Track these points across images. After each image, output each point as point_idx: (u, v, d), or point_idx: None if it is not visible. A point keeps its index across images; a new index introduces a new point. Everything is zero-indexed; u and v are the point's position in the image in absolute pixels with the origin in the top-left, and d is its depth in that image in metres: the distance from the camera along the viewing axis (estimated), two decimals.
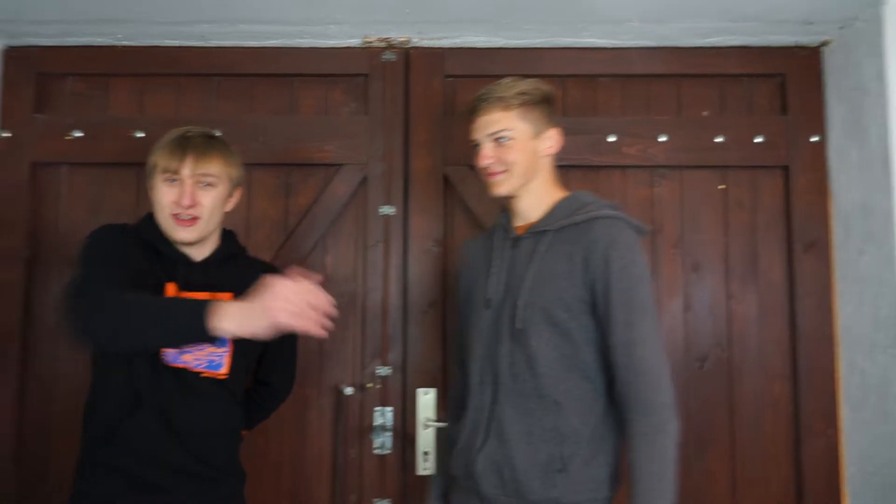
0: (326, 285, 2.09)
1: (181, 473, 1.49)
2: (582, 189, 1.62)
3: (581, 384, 1.45)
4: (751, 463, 2.06)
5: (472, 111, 1.56)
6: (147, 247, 1.53)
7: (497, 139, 1.52)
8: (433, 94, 2.17)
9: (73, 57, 2.19)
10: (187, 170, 1.50)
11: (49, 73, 2.20)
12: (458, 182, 2.14)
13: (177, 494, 1.49)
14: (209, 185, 1.52)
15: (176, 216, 1.50)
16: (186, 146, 1.51)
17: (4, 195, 2.14)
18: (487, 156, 1.54)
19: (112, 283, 1.39)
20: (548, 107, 1.56)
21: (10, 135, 2.16)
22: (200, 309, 1.26)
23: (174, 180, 1.50)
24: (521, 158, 1.52)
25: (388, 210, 2.14)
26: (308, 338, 2.07)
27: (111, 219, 2.10)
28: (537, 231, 1.53)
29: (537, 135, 1.54)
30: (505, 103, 1.51)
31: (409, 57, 2.19)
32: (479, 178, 2.12)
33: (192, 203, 1.49)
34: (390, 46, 2.18)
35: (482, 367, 1.53)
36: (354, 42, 2.18)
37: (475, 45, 2.18)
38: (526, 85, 1.53)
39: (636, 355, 1.39)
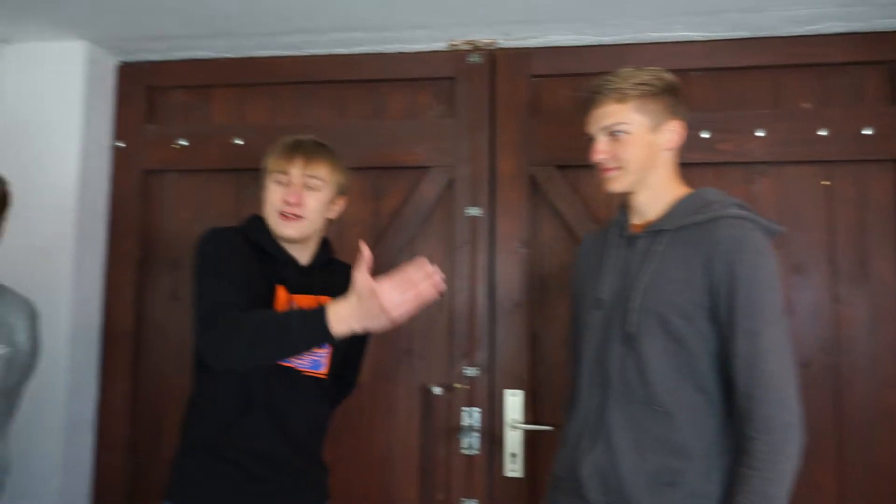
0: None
1: (284, 465, 1.58)
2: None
3: (694, 395, 1.36)
4: (861, 475, 1.93)
5: (588, 103, 1.49)
6: (256, 248, 1.60)
7: (612, 133, 1.45)
8: (519, 95, 2.17)
9: (179, 70, 2.34)
10: (296, 170, 1.58)
11: (158, 86, 2.36)
12: (545, 182, 2.13)
13: (278, 484, 1.57)
14: (315, 187, 1.59)
15: (282, 214, 1.58)
16: (297, 150, 1.60)
17: (120, 201, 2.31)
18: (601, 150, 1.46)
19: (236, 296, 1.47)
20: (670, 97, 1.45)
21: (123, 145, 2.33)
22: (321, 317, 1.35)
23: (283, 181, 1.59)
24: (636, 153, 1.43)
25: (474, 211, 2.15)
26: (397, 338, 2.14)
27: (214, 222, 2.23)
28: (655, 230, 1.44)
29: (656, 128, 1.44)
30: (621, 94, 1.43)
31: (495, 58, 2.19)
32: (566, 177, 2.12)
33: (298, 201, 1.57)
34: (476, 48, 2.20)
35: (591, 369, 1.47)
36: (440, 46, 2.21)
37: (561, 44, 2.16)
38: (646, 74, 1.44)
39: (760, 367, 1.28)
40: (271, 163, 1.61)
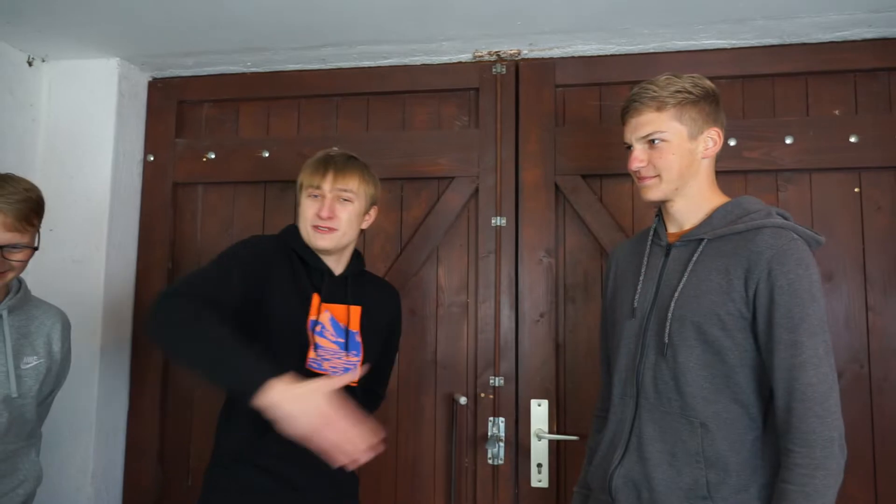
0: (440, 295, 2.17)
1: (314, 473, 1.58)
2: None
3: (731, 408, 1.33)
4: None
5: (625, 111, 1.47)
6: (295, 257, 1.65)
7: (650, 141, 1.42)
8: (543, 105, 2.17)
9: (208, 85, 2.38)
10: (327, 185, 1.62)
11: (188, 100, 2.40)
12: (569, 192, 2.12)
13: (309, 492, 1.59)
14: (347, 200, 1.63)
15: (316, 227, 1.62)
16: (328, 164, 1.64)
17: (151, 214, 2.36)
18: (638, 159, 1.43)
19: (215, 292, 1.43)
20: (708, 105, 1.43)
21: (153, 158, 2.38)
22: (264, 376, 1.24)
23: (316, 196, 1.63)
24: (674, 162, 1.41)
25: (499, 221, 2.15)
26: (422, 348, 2.15)
27: (241, 233, 2.28)
28: (692, 239, 1.42)
29: (695, 136, 1.42)
30: (659, 103, 1.41)
31: (519, 69, 2.20)
32: (590, 186, 2.11)
33: (331, 215, 1.61)
34: (500, 59, 2.21)
35: (625, 379, 1.45)
36: (465, 57, 2.22)
37: (586, 54, 2.16)
38: (685, 82, 1.41)
39: (801, 380, 1.25)
40: (305, 178, 1.66)
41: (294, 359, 1.57)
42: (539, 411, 2.06)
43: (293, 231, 1.68)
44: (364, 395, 1.80)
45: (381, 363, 1.82)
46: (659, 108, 1.41)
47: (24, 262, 1.59)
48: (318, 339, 1.60)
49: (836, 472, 1.23)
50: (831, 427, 1.24)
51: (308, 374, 1.57)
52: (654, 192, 1.44)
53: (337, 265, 1.68)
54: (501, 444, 2.06)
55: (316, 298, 1.61)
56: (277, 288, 1.58)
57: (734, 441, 1.33)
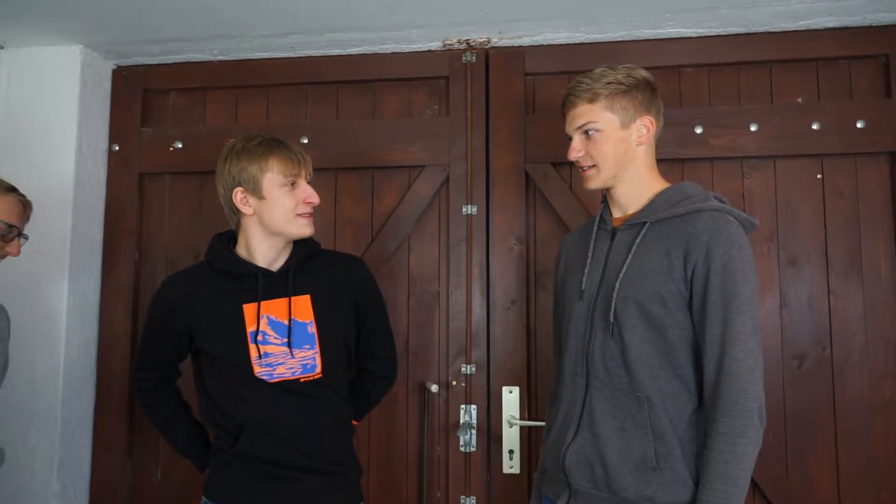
0: (411, 284, 2.17)
1: (297, 469, 1.59)
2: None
3: (673, 382, 1.40)
4: (858, 468, 1.94)
5: (563, 105, 1.54)
6: (218, 275, 1.62)
7: (585, 132, 1.49)
8: (513, 93, 2.17)
9: (174, 73, 2.35)
10: (305, 171, 1.62)
11: (153, 89, 2.36)
12: (540, 179, 2.13)
13: (299, 483, 1.59)
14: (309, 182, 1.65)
15: (305, 214, 1.61)
16: (293, 150, 1.61)
17: (117, 204, 2.32)
18: (576, 149, 1.50)
19: (155, 362, 1.72)
20: (641, 93, 1.49)
21: (118, 148, 2.33)
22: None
23: (294, 183, 1.60)
24: (609, 151, 1.47)
25: (470, 209, 2.15)
26: (395, 334, 2.13)
27: (209, 223, 2.26)
28: (636, 223, 1.48)
29: (627, 124, 1.48)
30: (592, 94, 1.47)
31: (489, 57, 2.20)
32: (560, 174, 2.13)
33: (318, 199, 1.63)
34: (470, 47, 2.20)
35: (575, 360, 1.50)
36: (435, 45, 2.22)
37: (555, 42, 2.17)
38: (617, 73, 1.48)
39: (729, 355, 1.33)
40: (282, 169, 1.58)
41: (243, 376, 1.57)
42: (510, 398, 2.07)
43: (215, 246, 1.65)
44: (364, 378, 1.80)
45: (368, 338, 1.76)
46: (591, 100, 1.48)
47: None
48: (264, 348, 1.57)
49: (755, 440, 1.31)
50: (753, 398, 1.32)
51: (265, 385, 1.57)
52: (594, 182, 1.52)
53: (277, 260, 1.63)
54: (473, 432, 2.07)
55: (249, 309, 1.58)
56: (201, 323, 1.59)
57: (675, 414, 1.39)
